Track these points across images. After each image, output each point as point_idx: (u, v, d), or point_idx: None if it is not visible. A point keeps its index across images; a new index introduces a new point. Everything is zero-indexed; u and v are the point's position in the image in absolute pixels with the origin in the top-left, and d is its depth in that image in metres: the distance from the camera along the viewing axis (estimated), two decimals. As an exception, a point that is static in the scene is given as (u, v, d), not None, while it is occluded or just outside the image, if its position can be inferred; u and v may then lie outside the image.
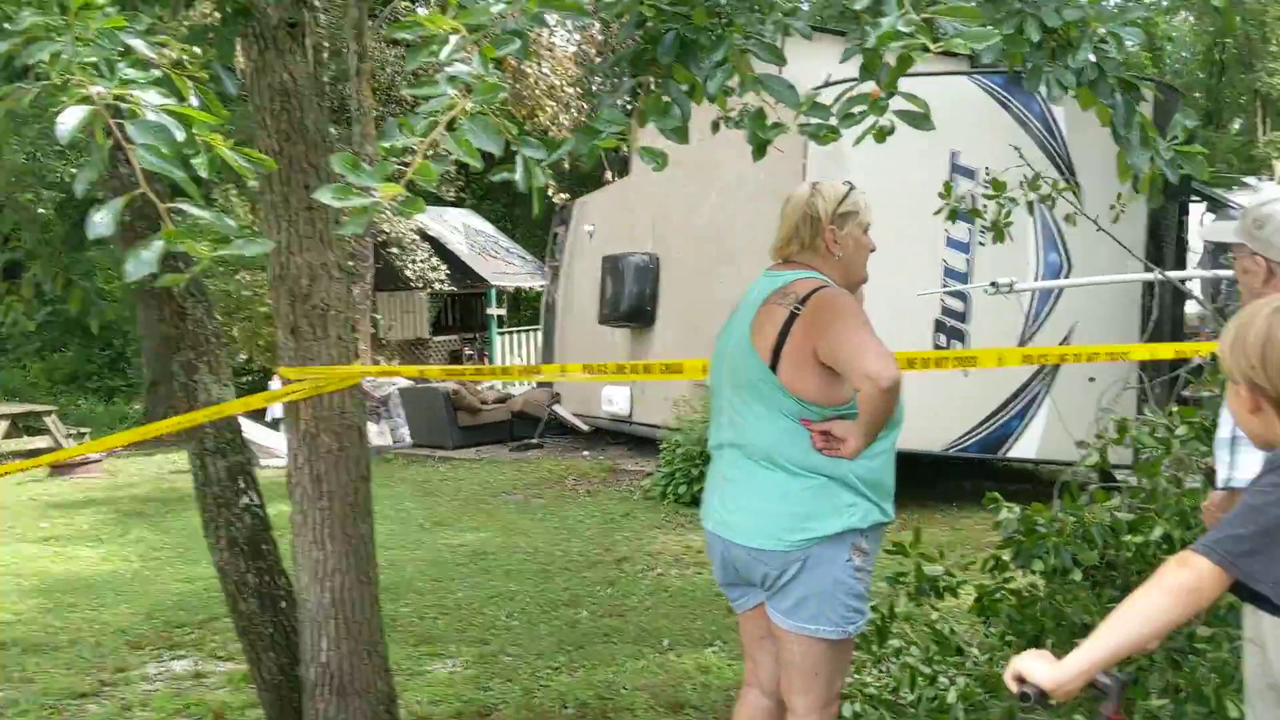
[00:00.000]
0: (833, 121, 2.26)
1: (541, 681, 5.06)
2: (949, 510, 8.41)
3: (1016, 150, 5.39)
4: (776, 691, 2.96)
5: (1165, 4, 47.37)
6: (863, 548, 2.80)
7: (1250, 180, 23.97)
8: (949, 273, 8.17)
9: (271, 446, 14.35)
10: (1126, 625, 1.80)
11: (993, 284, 6.83)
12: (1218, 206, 8.92)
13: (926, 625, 3.84)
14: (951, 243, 8.14)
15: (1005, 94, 8.08)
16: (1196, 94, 47.05)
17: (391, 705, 3.98)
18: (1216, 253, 7.86)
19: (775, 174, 9.05)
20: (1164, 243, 8.22)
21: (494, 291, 20.05)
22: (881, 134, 2.42)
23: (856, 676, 4.45)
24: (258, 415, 14.65)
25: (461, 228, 21.57)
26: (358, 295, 17.20)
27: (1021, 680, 1.89)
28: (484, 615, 6.26)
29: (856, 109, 2.25)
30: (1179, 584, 1.78)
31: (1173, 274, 6.80)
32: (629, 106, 3.17)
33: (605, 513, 9.03)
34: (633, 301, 11.33)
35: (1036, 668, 1.86)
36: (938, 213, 4.64)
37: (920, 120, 2.29)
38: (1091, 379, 7.97)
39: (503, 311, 20.62)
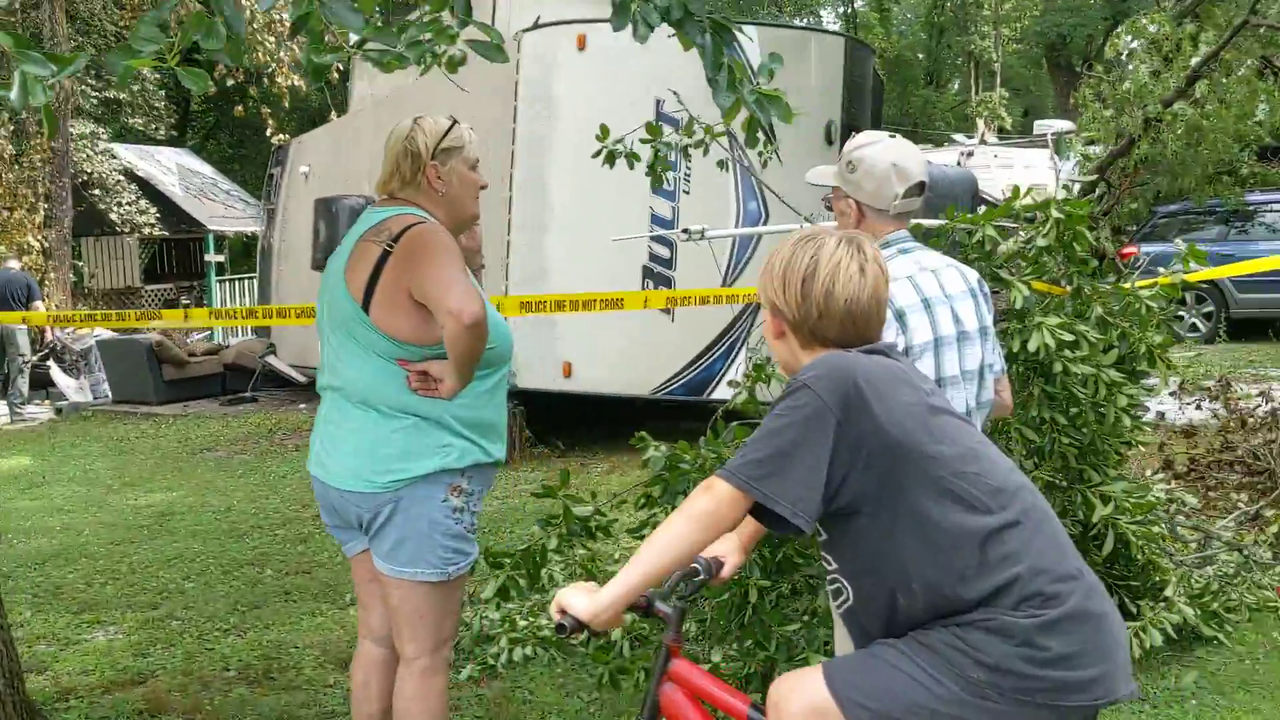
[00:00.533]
0: (401, 50, 2.12)
1: (206, 645, 4.80)
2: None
3: (674, 94, 5.37)
4: (389, 638, 2.88)
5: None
6: (463, 488, 2.75)
7: (959, 137, 25.66)
8: (655, 219, 8.25)
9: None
10: (653, 553, 1.82)
11: (685, 231, 6.93)
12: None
13: (581, 565, 3.85)
14: (657, 190, 8.20)
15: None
16: (920, 54, 49.92)
17: (15, 681, 3.66)
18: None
19: (484, 116, 8.91)
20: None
21: (211, 237, 18.96)
22: (453, 64, 2.30)
23: (531, 620, 4.46)
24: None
25: (175, 168, 20.26)
26: (54, 240, 15.91)
27: (563, 612, 1.90)
28: (158, 579, 5.89)
29: (424, 36, 2.12)
30: (700, 509, 1.82)
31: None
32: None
33: (310, 467, 8.67)
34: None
35: (576, 600, 1.88)
36: (595, 155, 4.59)
37: (493, 52, 2.19)
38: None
39: (222, 258, 19.53)
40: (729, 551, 2.26)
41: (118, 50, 1.96)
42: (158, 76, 19.22)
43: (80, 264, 17.86)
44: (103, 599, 5.56)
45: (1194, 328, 13.18)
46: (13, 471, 9.27)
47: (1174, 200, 13.66)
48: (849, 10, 50.19)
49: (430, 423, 2.70)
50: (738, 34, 2.59)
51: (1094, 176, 14.48)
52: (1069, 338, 3.52)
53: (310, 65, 2.13)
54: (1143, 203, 14.08)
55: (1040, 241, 3.63)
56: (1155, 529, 4.23)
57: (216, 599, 5.47)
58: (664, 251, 8.27)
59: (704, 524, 1.82)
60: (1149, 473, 6.16)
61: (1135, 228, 14.05)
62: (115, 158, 18.32)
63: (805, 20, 50.12)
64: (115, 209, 17.47)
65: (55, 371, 14.00)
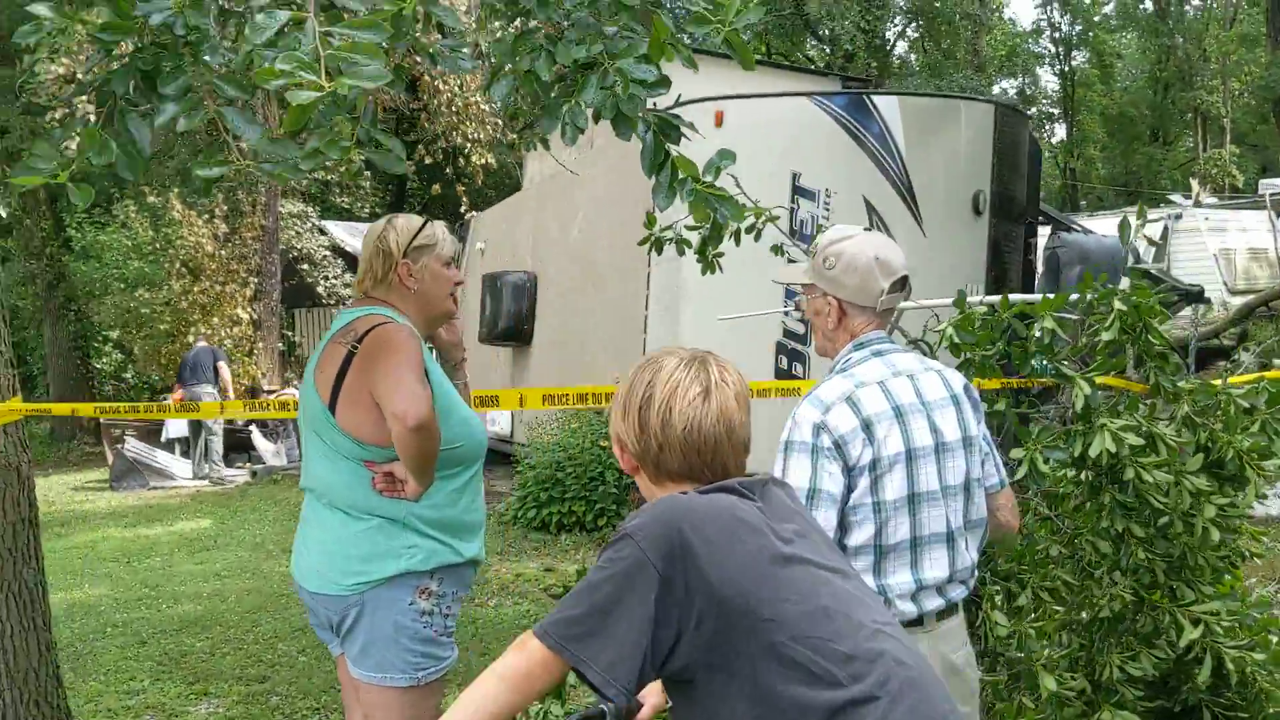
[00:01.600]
0: (297, 160, 2.08)
1: (289, 722, 4.90)
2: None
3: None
4: None
5: (1114, 23, 48.06)
6: (432, 590, 2.69)
7: (1176, 197, 24.19)
8: (790, 295, 8.06)
9: (165, 467, 14.13)
10: (459, 716, 1.65)
11: (796, 306, 6.74)
12: (1061, 228, 8.88)
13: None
14: (793, 264, 8.04)
15: (845, 115, 8.00)
16: (1145, 110, 47.55)
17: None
18: (1054, 272, 7.83)
19: (630, 195, 8.99)
20: (1008, 264, 8.16)
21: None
22: (351, 174, 2.26)
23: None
24: (153, 436, 14.40)
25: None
26: (263, 312, 17.00)
27: None
28: (276, 651, 6.07)
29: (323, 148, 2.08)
30: (511, 668, 1.65)
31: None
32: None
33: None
34: (510, 320, 11.19)
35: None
36: (642, 242, 4.49)
37: (393, 162, 2.15)
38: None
39: (419, 328, 20.39)
40: (652, 690, 2.07)
41: (20, 165, 2.03)
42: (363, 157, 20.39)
43: (290, 334, 19.00)
44: (219, 669, 5.76)
45: None
46: (190, 534, 9.84)
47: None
48: (1065, 68, 48.42)
49: (395, 524, 2.67)
50: (685, 129, 2.45)
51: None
52: (1138, 441, 3.16)
53: (201, 181, 2.15)
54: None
55: (1105, 335, 3.30)
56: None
57: (320, 673, 5.58)
58: (798, 328, 8.06)
59: (514, 685, 1.64)
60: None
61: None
62: (324, 234, 19.50)
63: (1020, 80, 48.76)
64: (322, 282, 18.54)
65: (256, 435, 14.89)
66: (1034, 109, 50.88)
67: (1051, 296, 3.42)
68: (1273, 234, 17.02)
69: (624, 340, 8.91)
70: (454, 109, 19.62)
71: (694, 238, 4.18)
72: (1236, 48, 34.09)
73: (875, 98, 8.06)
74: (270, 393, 16.41)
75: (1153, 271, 8.29)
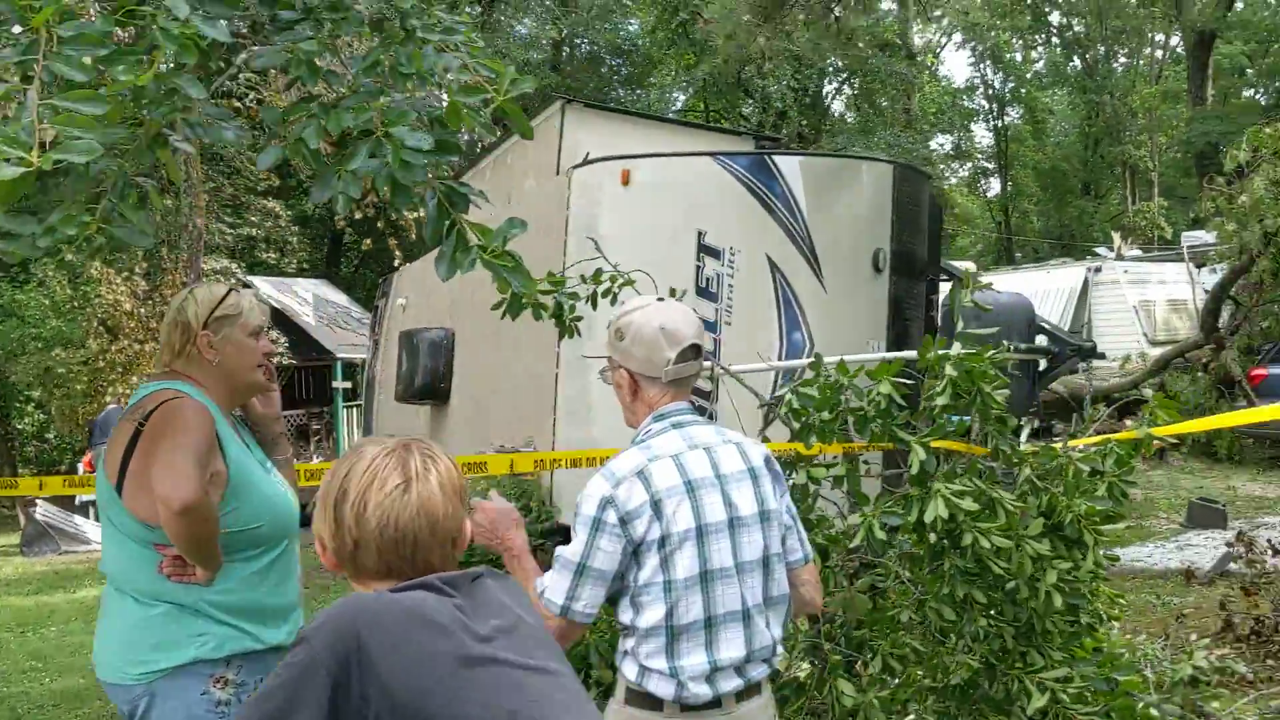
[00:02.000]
0: (37, 237, 2.01)
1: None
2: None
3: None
4: None
5: (1045, 80, 49.23)
6: (228, 679, 2.57)
7: (1102, 250, 24.65)
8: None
9: (80, 531, 13.75)
10: None
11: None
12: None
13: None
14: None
15: (748, 175, 8.04)
16: (1077, 165, 48.59)
17: None
18: (951, 329, 7.88)
19: (538, 252, 8.96)
20: (910, 320, 8.20)
21: (339, 364, 19.63)
22: (95, 252, 2.19)
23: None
24: (66, 500, 14.05)
25: (311, 299, 21.17)
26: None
27: None
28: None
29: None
30: None
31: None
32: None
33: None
34: (426, 377, 11.06)
35: None
36: (495, 307, 4.42)
37: (138, 236, 2.08)
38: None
39: (349, 384, 20.16)
40: None
41: None
42: (290, 214, 20.34)
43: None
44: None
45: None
46: (91, 602, 9.55)
47: (1308, 318, 12.68)
48: (999, 124, 49.43)
49: (186, 610, 2.56)
50: (473, 198, 2.41)
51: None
52: (973, 506, 3.14)
53: None
54: (1273, 321, 13.11)
55: (939, 400, 3.28)
56: (1145, 712, 3.73)
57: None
58: (704, 384, 8.03)
59: None
60: (1194, 637, 5.54)
61: (1269, 347, 13.04)
62: (249, 288, 19.29)
63: (955, 136, 49.67)
64: (248, 339, 18.32)
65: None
66: (970, 164, 51.96)
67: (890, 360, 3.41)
68: (1191, 286, 17.35)
69: (536, 400, 8.83)
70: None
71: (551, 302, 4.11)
72: (1159, 104, 35.03)
73: (777, 158, 8.10)
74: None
75: (1047, 328, 8.37)
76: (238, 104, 20.92)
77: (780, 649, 2.44)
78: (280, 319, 19.69)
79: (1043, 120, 49.60)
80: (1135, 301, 17.57)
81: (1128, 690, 3.75)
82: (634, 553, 2.29)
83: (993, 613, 3.40)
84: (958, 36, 46.54)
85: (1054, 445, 3.48)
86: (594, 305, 4.17)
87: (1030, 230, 50.46)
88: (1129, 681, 3.82)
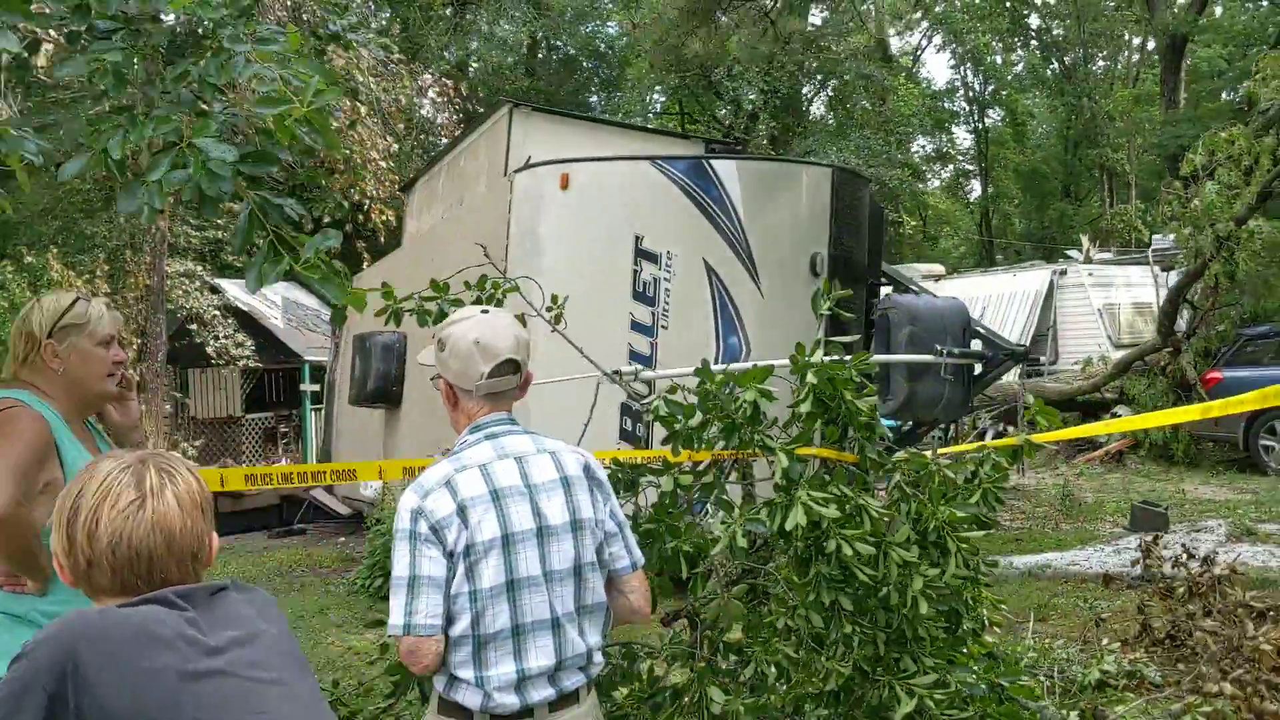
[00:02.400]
0: None
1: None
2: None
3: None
4: None
5: (1025, 82, 49.39)
6: None
7: (1073, 253, 24.74)
8: (635, 356, 8.04)
9: None
10: None
11: (616, 372, 6.70)
12: (904, 289, 8.97)
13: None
14: (636, 326, 8.04)
15: (685, 179, 8.05)
16: (1057, 167, 48.78)
17: None
18: (884, 333, 7.88)
19: (482, 256, 8.96)
20: (847, 324, 8.19)
21: (307, 367, 19.59)
22: None
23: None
24: None
25: (280, 301, 21.12)
26: (148, 373, 16.66)
27: None
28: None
29: None
30: None
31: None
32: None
33: (298, 609, 8.62)
34: (379, 381, 11.04)
35: None
36: (379, 314, 4.44)
37: None
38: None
39: (317, 387, 20.11)
40: None
41: None
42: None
43: (179, 395, 18.66)
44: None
45: (1288, 459, 12.07)
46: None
47: (1261, 322, 12.74)
48: (980, 126, 49.59)
49: (18, 620, 2.56)
50: (289, 208, 2.40)
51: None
52: (834, 513, 3.14)
53: None
54: (1229, 325, 13.17)
55: (802, 408, 3.29)
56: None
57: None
58: (642, 389, 8.02)
59: None
60: (1105, 641, 5.56)
61: (1225, 350, 13.09)
62: (217, 293, 19.22)
63: (937, 140, 49.81)
64: (212, 342, 18.22)
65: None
66: (951, 166, 52.12)
67: (759, 366, 3.42)
68: (1155, 289, 17.42)
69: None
70: (352, 166, 19.58)
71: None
72: (1133, 107, 35.19)
73: (714, 162, 8.12)
74: (155, 456, 16.07)
75: (980, 331, 8.38)
76: (204, 106, 20.91)
77: (599, 656, 2.45)
78: (249, 321, 19.65)
79: (1023, 123, 49.81)
80: (1100, 305, 17.64)
81: (1013, 696, 3.76)
82: (447, 559, 2.29)
83: (864, 619, 3.40)
84: (938, 39, 46.83)
85: (924, 452, 3.48)
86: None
87: (1011, 232, 50.64)
88: (1019, 688, 3.83)
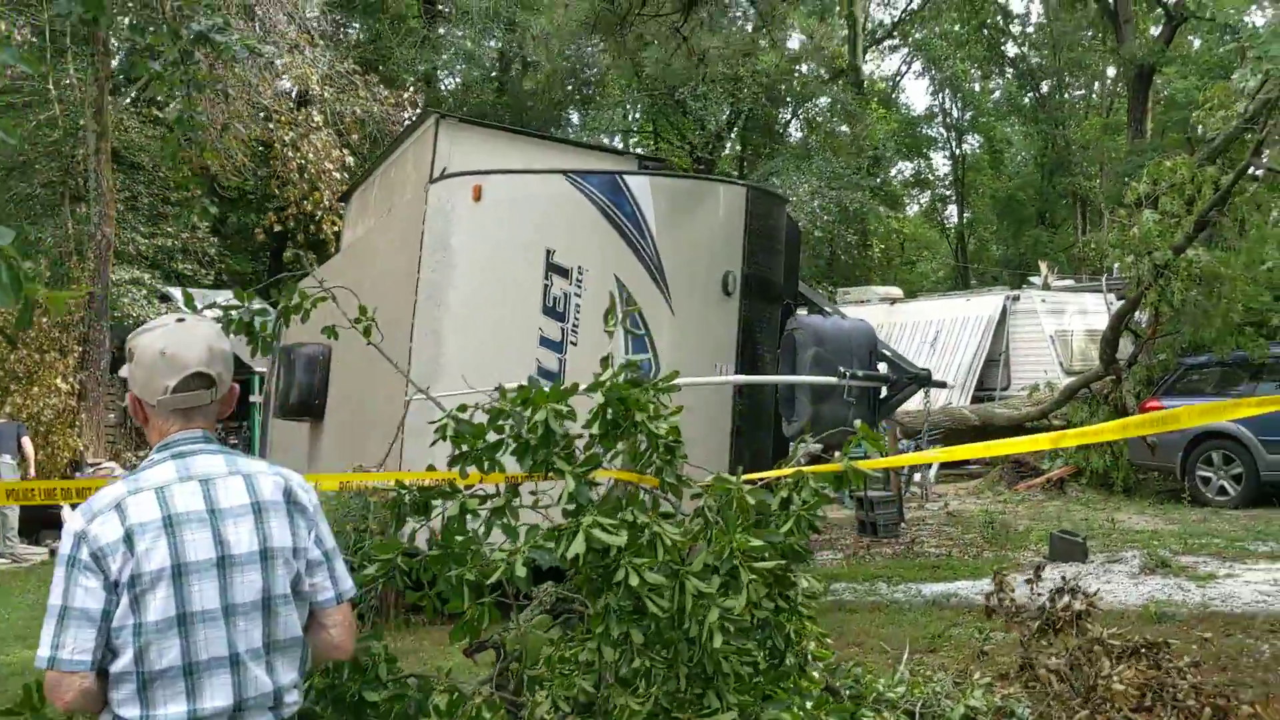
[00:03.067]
0: None
1: None
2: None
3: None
4: None
5: (1003, 109, 49.66)
6: None
7: (1035, 279, 24.72)
8: (542, 372, 7.90)
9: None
10: None
11: (498, 389, 6.55)
12: (817, 309, 8.85)
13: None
14: (545, 341, 7.91)
15: (598, 194, 7.93)
16: (1033, 194, 49.01)
17: None
18: (790, 354, 7.76)
19: (399, 266, 8.83)
20: (761, 344, 8.08)
21: (256, 378, 19.35)
22: None
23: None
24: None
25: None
26: (88, 381, 16.45)
27: None
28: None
29: None
30: None
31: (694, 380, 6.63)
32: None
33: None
34: (301, 394, 10.85)
35: None
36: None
37: None
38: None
39: (266, 399, 19.92)
40: None
41: None
42: (208, 225, 20.07)
43: (124, 404, 18.47)
44: None
45: (1222, 490, 11.97)
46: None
47: (1201, 351, 12.67)
48: (958, 152, 49.80)
49: None
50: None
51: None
52: (619, 540, 2.99)
53: None
54: (1170, 354, 13.12)
55: (595, 429, 3.15)
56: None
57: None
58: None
59: None
60: (978, 675, 5.41)
61: (1167, 379, 13.01)
62: (168, 301, 19.03)
63: (916, 164, 49.98)
64: (160, 350, 18.03)
65: (66, 511, 14.28)
66: (929, 191, 52.28)
67: (564, 388, 3.28)
68: (1108, 316, 17.38)
69: (392, 417, 8.66)
70: (305, 177, 19.45)
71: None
72: (1100, 136, 35.36)
73: (628, 178, 8.01)
74: (94, 465, 15.83)
75: (887, 355, 8.26)
76: (157, 112, 20.75)
77: (294, 695, 2.28)
78: (198, 331, 19.49)
79: (1001, 150, 50.01)
80: (1052, 331, 17.59)
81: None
82: (109, 590, 2.12)
83: (665, 652, 3.24)
84: (917, 65, 47.03)
85: (728, 477, 3.34)
86: (304, 319, 4.06)
87: (988, 258, 50.76)
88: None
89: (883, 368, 7.97)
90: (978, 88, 48.93)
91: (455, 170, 8.72)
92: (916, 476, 13.72)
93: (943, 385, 9.15)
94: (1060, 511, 12.09)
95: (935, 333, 18.59)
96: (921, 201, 53.75)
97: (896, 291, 21.71)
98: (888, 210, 33.37)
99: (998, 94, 49.17)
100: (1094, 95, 45.18)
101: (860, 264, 30.72)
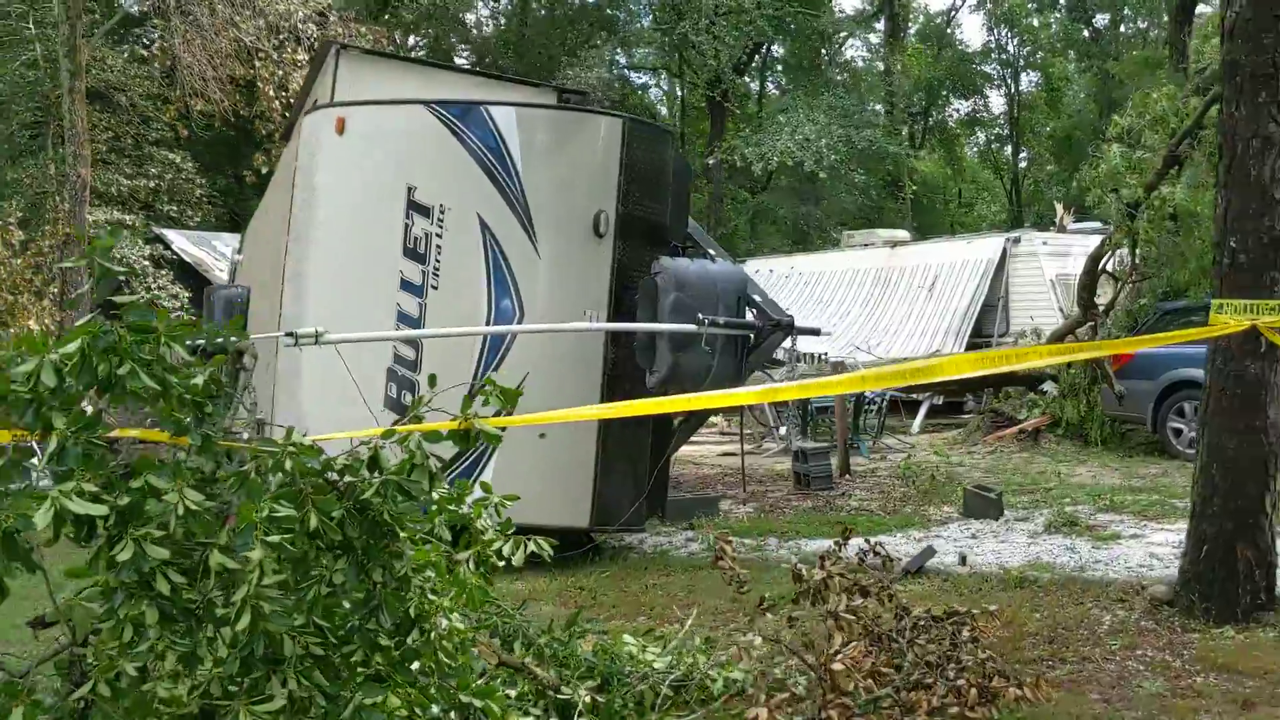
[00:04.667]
0: None
1: None
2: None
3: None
4: None
5: (1058, 45, 47.94)
6: None
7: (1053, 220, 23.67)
8: (402, 317, 7.51)
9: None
10: None
11: (289, 334, 6.17)
12: (708, 256, 8.24)
13: None
14: (405, 285, 7.49)
15: (460, 126, 7.45)
16: (1090, 134, 47.35)
17: None
18: (650, 299, 7.25)
19: (285, 205, 8.47)
20: (631, 289, 7.57)
21: (246, 321, 19.36)
22: None
23: None
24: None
25: (229, 254, 20.85)
26: (68, 323, 16.45)
27: None
28: None
29: None
30: None
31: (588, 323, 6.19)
32: None
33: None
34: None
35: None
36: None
37: None
38: (542, 435, 7.35)
39: (256, 341, 19.85)
40: None
41: None
42: (197, 165, 19.92)
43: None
44: None
45: (1192, 443, 11.22)
46: None
47: (1180, 296, 11.89)
48: (1014, 90, 48.10)
49: None
50: None
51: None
52: (97, 510, 2.61)
53: None
54: (1151, 298, 12.35)
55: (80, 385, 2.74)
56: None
57: None
58: (409, 353, 7.48)
59: None
60: (759, 641, 4.97)
61: (1141, 325, 12.25)
62: (158, 243, 18.99)
63: (971, 102, 48.36)
64: (144, 293, 17.97)
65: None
66: (983, 131, 50.63)
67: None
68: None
69: (268, 367, 8.36)
70: (287, 116, 19.14)
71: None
72: (1141, 69, 33.75)
73: (491, 108, 7.49)
74: (72, 407, 15.90)
75: (757, 300, 7.69)
76: (144, 51, 20.56)
77: None
78: (191, 273, 19.40)
79: (1059, 88, 48.22)
80: (1053, 275, 16.76)
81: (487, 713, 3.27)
82: None
83: (206, 635, 2.87)
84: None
85: (276, 440, 2.92)
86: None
87: (1043, 201, 49.24)
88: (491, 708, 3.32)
89: (751, 316, 7.44)
90: (1036, 22, 47.08)
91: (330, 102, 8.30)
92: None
93: (814, 333, 8.55)
94: (1021, 465, 11.48)
95: (934, 277, 17.86)
96: (979, 142, 52.26)
97: (903, 234, 20.86)
98: (910, 150, 32.19)
99: (1055, 28, 47.31)
100: (1151, 30, 43.20)
101: (880, 207, 29.68)
